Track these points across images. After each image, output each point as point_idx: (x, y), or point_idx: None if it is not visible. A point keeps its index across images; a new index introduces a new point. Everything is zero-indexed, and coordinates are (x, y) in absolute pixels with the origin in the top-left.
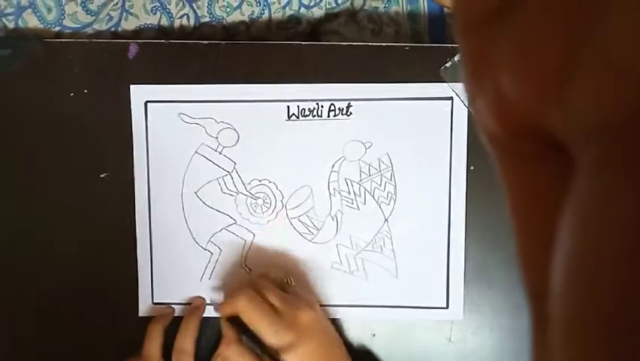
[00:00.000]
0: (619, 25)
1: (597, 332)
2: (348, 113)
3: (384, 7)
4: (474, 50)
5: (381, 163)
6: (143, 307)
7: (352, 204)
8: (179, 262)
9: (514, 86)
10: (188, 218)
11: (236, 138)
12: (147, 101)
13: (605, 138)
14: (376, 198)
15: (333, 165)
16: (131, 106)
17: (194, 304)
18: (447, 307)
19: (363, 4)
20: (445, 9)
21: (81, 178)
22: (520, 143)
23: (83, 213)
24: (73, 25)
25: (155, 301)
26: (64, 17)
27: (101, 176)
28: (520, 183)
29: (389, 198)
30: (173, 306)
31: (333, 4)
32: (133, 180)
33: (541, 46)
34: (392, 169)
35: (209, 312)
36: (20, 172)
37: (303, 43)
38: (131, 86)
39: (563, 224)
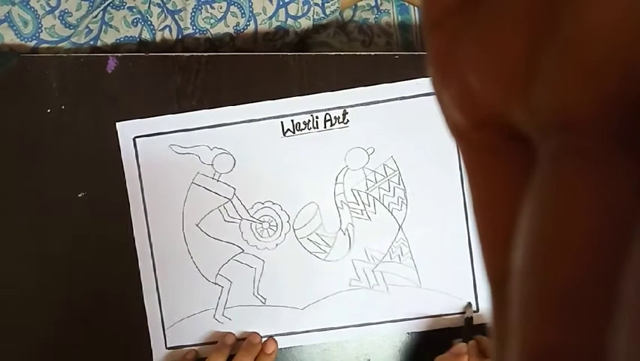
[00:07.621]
0: (583, 20)
1: (553, 310)
2: (346, 121)
3: (375, 17)
4: (439, 46)
5: (386, 168)
6: (158, 355)
7: (362, 215)
8: (189, 302)
9: (478, 81)
10: (193, 253)
11: (233, 162)
12: (135, 137)
13: (566, 131)
14: (387, 205)
15: (337, 177)
16: (120, 144)
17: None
18: (477, 310)
19: (353, 15)
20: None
21: (59, 196)
22: (484, 134)
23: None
24: (50, 39)
25: (168, 346)
26: (42, 31)
27: (79, 195)
28: (484, 172)
29: (400, 203)
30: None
31: (322, 15)
32: (113, 198)
33: (505, 41)
34: (399, 172)
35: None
36: None
37: (289, 54)
38: (117, 124)
39: (524, 208)
